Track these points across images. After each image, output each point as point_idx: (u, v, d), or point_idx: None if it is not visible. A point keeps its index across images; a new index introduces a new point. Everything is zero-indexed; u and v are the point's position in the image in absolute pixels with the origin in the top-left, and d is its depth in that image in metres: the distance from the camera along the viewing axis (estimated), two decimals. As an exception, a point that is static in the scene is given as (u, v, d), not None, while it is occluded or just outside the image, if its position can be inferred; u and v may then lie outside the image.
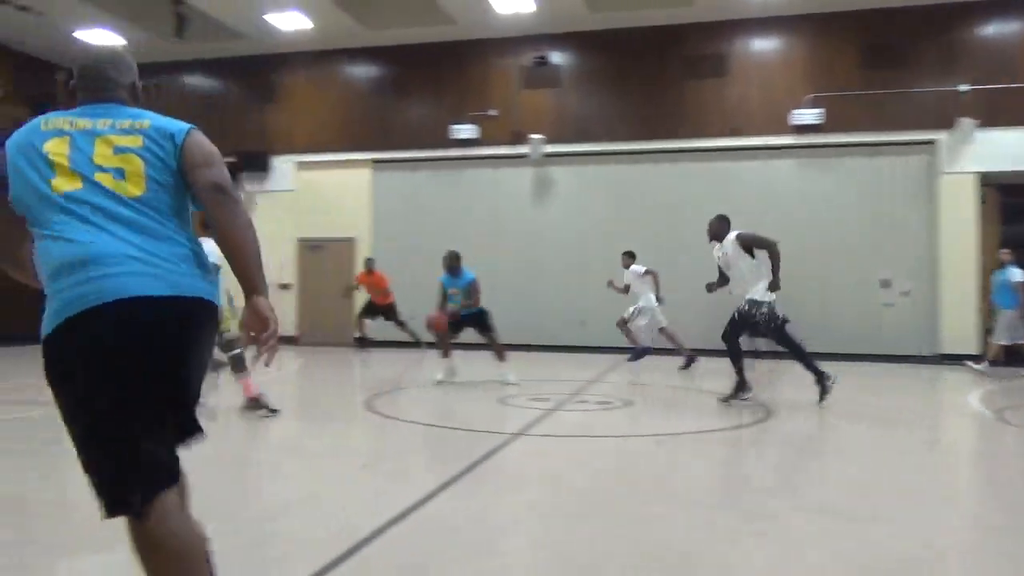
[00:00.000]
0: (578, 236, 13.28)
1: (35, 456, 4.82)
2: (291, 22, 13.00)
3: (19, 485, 4.02)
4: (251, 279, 2.07)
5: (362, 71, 14.50)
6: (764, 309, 6.58)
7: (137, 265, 1.90)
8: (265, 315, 2.02)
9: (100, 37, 13.78)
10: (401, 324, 12.69)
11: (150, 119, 2.16)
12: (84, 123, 2.08)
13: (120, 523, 1.81)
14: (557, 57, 13.50)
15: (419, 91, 14.10)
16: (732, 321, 6.76)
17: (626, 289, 10.51)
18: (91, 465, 1.86)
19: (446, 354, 8.51)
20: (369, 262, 13.08)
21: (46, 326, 1.87)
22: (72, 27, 13.32)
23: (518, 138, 13.39)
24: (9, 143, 2.05)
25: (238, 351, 6.13)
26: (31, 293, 2.14)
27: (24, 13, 12.39)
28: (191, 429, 2.00)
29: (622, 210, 13.13)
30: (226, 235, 2.10)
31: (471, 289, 8.45)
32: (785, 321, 6.69)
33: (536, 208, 13.60)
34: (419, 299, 13.99)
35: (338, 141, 14.39)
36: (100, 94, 2.19)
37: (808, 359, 6.70)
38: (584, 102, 13.42)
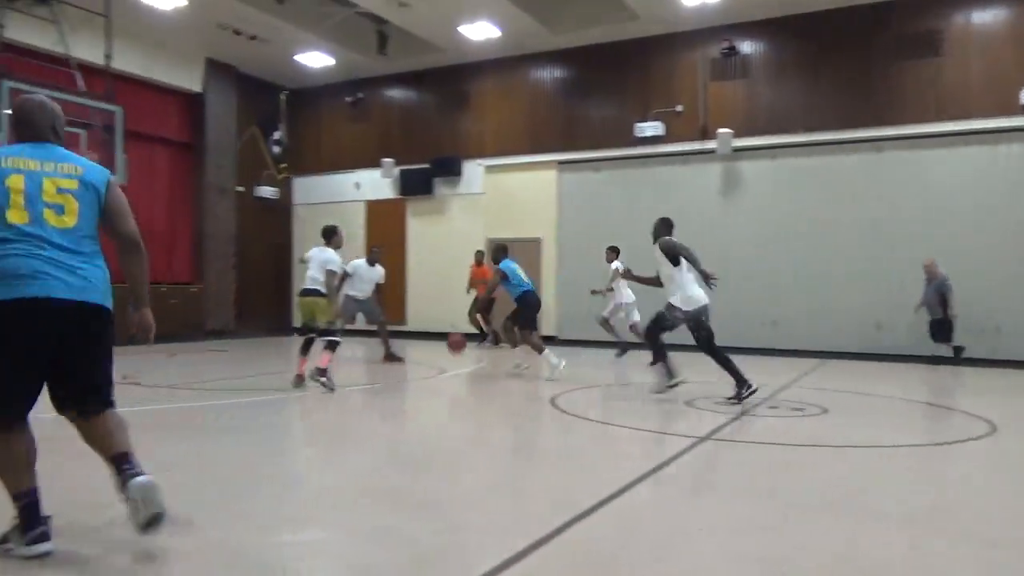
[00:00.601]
0: (769, 233, 12.67)
1: (260, 433, 5.42)
2: (481, 32, 13.55)
3: (248, 460, 4.55)
4: (143, 297, 3.18)
5: (546, 74, 14.79)
6: (678, 314, 7.12)
7: (73, 280, 2.85)
8: (150, 321, 3.21)
9: (314, 59, 15.16)
10: (486, 318, 13.44)
11: (84, 167, 3.02)
12: (34, 164, 2.90)
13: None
14: (746, 47, 12.96)
15: (603, 91, 14.14)
16: (652, 319, 7.33)
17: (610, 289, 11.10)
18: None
19: (515, 344, 9.59)
20: (479, 255, 13.61)
21: None
22: (292, 51, 14.79)
23: (705, 133, 13.03)
24: None
25: (337, 339, 7.59)
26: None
27: (253, 41, 13.95)
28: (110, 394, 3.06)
29: (819, 205, 12.35)
30: (130, 271, 3.12)
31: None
32: (708, 331, 7.17)
33: (724, 205, 13.14)
34: (604, 299, 14.07)
35: (524, 144, 14.79)
36: (37, 136, 3.04)
37: (732, 367, 7.01)
38: (776, 92, 12.77)
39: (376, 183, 16.42)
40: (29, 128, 3.05)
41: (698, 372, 7.95)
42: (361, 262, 10.15)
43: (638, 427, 5.66)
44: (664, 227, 7.58)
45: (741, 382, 6.90)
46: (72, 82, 12.00)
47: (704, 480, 4.25)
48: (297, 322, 7.98)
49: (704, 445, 5.06)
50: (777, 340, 12.31)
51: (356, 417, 6.80)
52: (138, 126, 13.60)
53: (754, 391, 6.89)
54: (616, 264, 11.10)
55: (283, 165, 15.52)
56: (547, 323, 14.39)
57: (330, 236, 7.92)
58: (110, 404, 3.02)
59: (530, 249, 14.71)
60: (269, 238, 17.05)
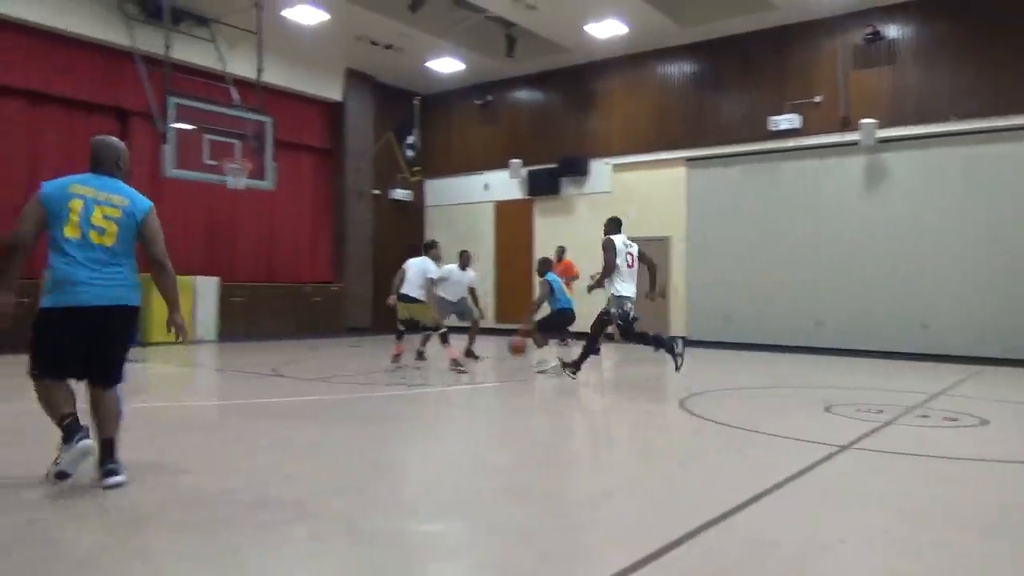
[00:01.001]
0: (918, 228, 11.81)
1: (392, 424, 5.66)
2: (608, 30, 13.46)
3: (379, 451, 4.76)
4: (173, 303, 4.08)
5: (675, 69, 14.48)
6: (613, 308, 7.98)
7: (111, 286, 3.80)
8: (181, 322, 4.11)
9: (445, 65, 15.61)
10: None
11: (130, 200, 3.88)
12: (91, 192, 3.78)
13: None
14: (892, 31, 12.14)
15: (734, 84, 13.69)
16: (598, 315, 8.18)
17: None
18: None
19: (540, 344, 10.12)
20: (560, 251, 13.70)
21: (47, 304, 3.75)
22: (424, 58, 15.30)
23: (847, 124, 12.33)
24: (49, 186, 3.79)
25: (444, 330, 8.94)
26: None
27: (388, 50, 14.56)
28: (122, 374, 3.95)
29: (974, 198, 11.38)
30: (159, 284, 4.03)
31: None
32: (607, 318, 8.09)
33: (867, 199, 12.37)
34: (736, 299, 13.64)
35: (652, 141, 14.57)
36: (102, 169, 3.93)
37: (650, 340, 8.17)
38: (926, 78, 11.89)
39: (504, 184, 16.69)
40: (96, 162, 3.94)
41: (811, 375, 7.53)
42: (453, 267, 10.49)
43: (773, 432, 5.44)
44: (612, 226, 8.44)
45: (577, 365, 8.19)
46: (228, 96, 13.01)
47: (845, 491, 4.03)
48: (400, 316, 9.50)
49: (846, 454, 4.79)
50: (928, 344, 11.46)
51: (484, 414, 6.95)
52: (285, 135, 14.52)
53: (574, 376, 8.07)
54: None
55: (416, 168, 16.09)
56: (677, 324, 14.12)
57: (430, 249, 9.32)
58: (120, 380, 3.94)
59: (658, 248, 14.45)
60: (403, 239, 17.70)
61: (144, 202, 3.97)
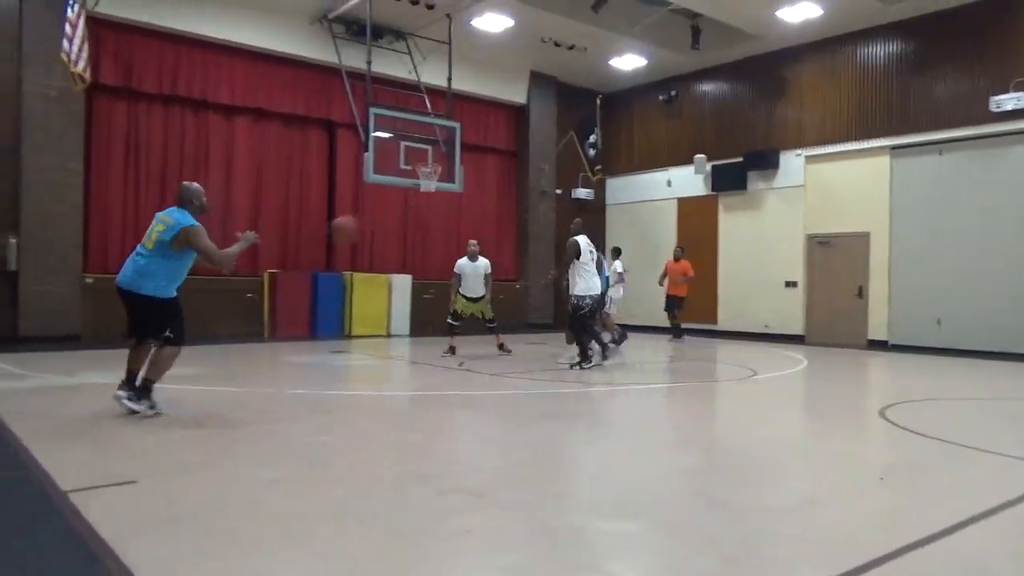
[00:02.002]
0: None
1: (574, 422, 5.76)
2: (801, 13, 12.74)
3: (562, 447, 4.87)
4: (222, 262, 5.62)
5: (877, 51, 13.38)
6: (579, 302, 8.85)
7: (131, 275, 5.44)
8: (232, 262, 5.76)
9: (627, 62, 15.55)
10: (673, 316, 14.12)
11: (175, 220, 5.42)
12: (162, 216, 5.51)
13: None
14: None
15: (947, 63, 12.41)
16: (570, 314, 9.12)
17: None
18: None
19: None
20: (678, 251, 14.05)
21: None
22: (606, 57, 15.34)
23: (1090, 102, 10.78)
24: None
25: (494, 324, 10.64)
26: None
27: (571, 51, 14.75)
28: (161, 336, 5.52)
29: None
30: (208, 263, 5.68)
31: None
32: (581, 311, 8.91)
33: (1117, 187, 10.73)
34: (947, 300, 12.46)
35: (851, 130, 13.60)
36: (177, 203, 5.59)
37: (584, 341, 8.94)
38: None
39: (687, 180, 16.31)
40: (179, 198, 5.62)
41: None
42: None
43: (988, 448, 4.92)
44: (576, 228, 9.23)
45: (585, 357, 8.86)
46: (422, 104, 13.83)
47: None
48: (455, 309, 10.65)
49: (1081, 479, 4.23)
50: None
51: (669, 416, 6.88)
52: (471, 138, 15.19)
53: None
54: (617, 265, 12.61)
55: (598, 167, 16.17)
56: (877, 327, 13.09)
57: (475, 255, 10.42)
58: (168, 341, 5.49)
59: (856, 245, 13.48)
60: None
61: (185, 220, 5.45)
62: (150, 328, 5.50)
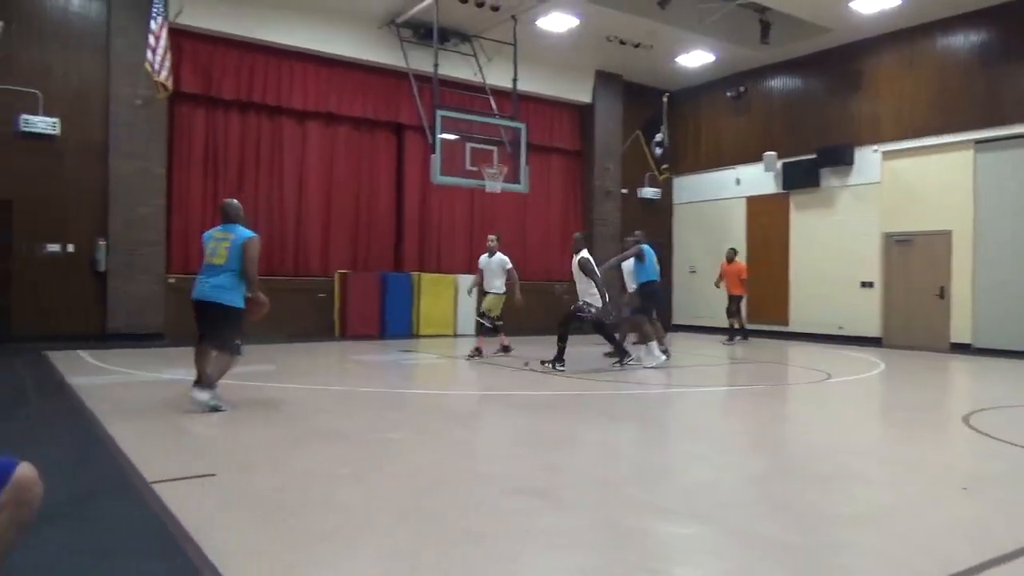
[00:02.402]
0: None
1: (642, 424, 5.72)
2: (877, 4, 12.29)
3: (629, 448, 4.85)
4: (256, 287, 5.93)
5: (959, 40, 12.79)
6: (592, 310, 9.07)
7: (209, 288, 5.87)
8: (263, 301, 5.95)
9: (695, 58, 15.31)
10: (734, 314, 13.78)
11: (236, 234, 5.91)
12: (218, 234, 6.00)
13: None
14: None
15: (1040, 51, 11.76)
16: (566, 313, 9.40)
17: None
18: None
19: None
20: (731, 252, 13.88)
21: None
22: (673, 54, 15.14)
23: None
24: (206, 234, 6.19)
25: (500, 323, 10.45)
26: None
27: (637, 49, 14.61)
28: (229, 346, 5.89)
29: None
30: (250, 282, 5.93)
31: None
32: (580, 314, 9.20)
33: None
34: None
35: (931, 124, 13.05)
36: (227, 221, 6.04)
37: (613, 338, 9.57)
38: None
39: (757, 178, 15.95)
40: (228, 215, 6.06)
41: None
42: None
43: (1083, 461, 4.66)
44: (581, 244, 9.52)
45: (620, 350, 9.43)
46: (487, 106, 13.94)
47: None
48: (478, 308, 10.73)
49: None
50: None
51: (738, 419, 6.76)
52: (536, 139, 15.20)
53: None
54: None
55: (664, 166, 15.97)
56: (960, 329, 12.54)
57: (493, 251, 10.27)
58: (234, 351, 5.87)
59: (937, 243, 12.93)
60: (650, 237, 17.65)
61: (245, 234, 5.94)
62: (225, 336, 5.84)
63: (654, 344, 9.64)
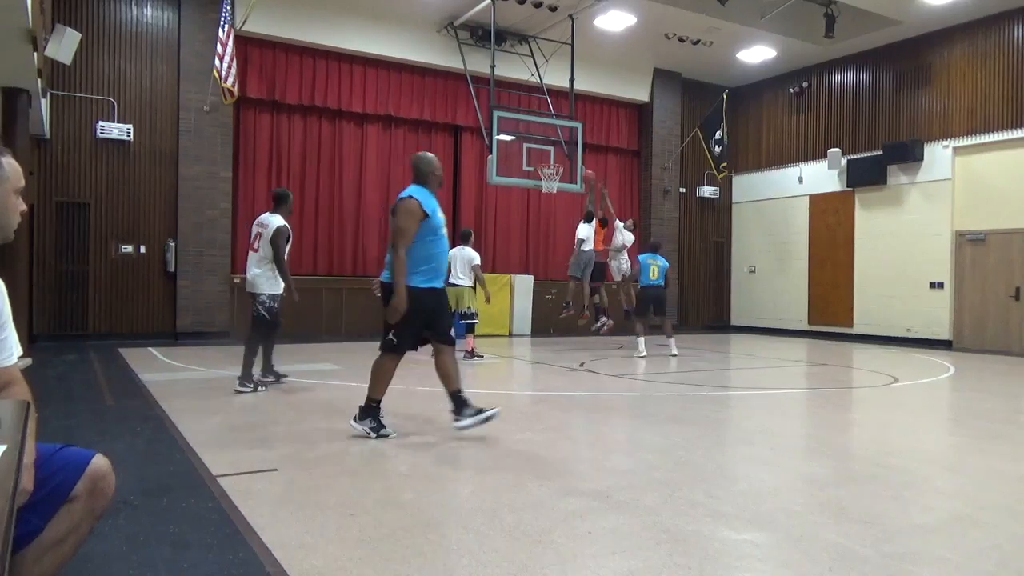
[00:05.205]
0: None
1: (701, 427, 5.63)
2: (949, -6, 11.84)
3: (689, 452, 4.77)
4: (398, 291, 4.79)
5: (1040, 31, 12.22)
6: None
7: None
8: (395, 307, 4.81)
9: (756, 54, 15.01)
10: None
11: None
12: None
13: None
14: None
15: None
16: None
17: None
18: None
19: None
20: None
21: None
22: (733, 50, 14.87)
23: None
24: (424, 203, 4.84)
25: (475, 321, 10.19)
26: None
27: (696, 46, 14.38)
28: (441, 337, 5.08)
29: None
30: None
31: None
32: None
33: None
34: None
35: (1006, 118, 12.52)
36: (413, 179, 5.03)
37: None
38: None
39: (820, 175, 15.55)
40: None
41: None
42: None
43: None
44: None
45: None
46: (544, 106, 13.93)
47: None
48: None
49: None
50: None
51: (800, 422, 6.60)
52: (593, 138, 15.16)
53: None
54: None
55: (724, 164, 15.71)
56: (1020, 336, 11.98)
57: (468, 239, 9.96)
58: (384, 349, 5.00)
59: (1013, 242, 12.38)
60: (709, 236, 17.42)
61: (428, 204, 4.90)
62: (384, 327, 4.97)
63: (641, 340, 10.78)
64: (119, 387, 7.20)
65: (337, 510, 3.41)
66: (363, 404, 4.97)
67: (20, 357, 2.06)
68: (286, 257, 6.85)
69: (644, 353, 10.57)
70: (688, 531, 3.23)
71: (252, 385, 6.72)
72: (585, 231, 11.94)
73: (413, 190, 4.88)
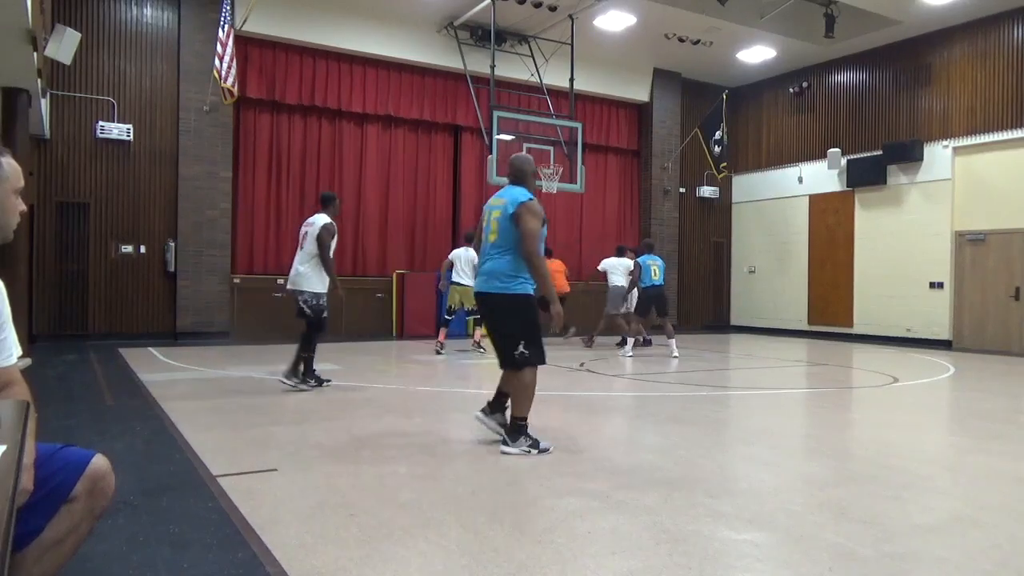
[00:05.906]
0: None
1: (701, 427, 5.63)
2: (948, -6, 11.85)
3: (689, 452, 4.77)
4: (546, 294, 4.59)
5: (1040, 30, 12.22)
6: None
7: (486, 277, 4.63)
8: (556, 312, 4.59)
9: (755, 54, 15.01)
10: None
11: (508, 199, 4.56)
12: (495, 201, 4.71)
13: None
14: None
15: None
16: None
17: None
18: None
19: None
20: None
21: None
22: (733, 50, 14.87)
23: None
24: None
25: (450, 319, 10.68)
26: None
27: (696, 46, 14.39)
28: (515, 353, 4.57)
29: None
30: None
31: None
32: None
33: None
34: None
35: (1006, 118, 12.52)
36: (512, 180, 4.79)
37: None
38: None
39: (820, 175, 15.55)
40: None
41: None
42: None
43: None
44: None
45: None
46: (544, 106, 13.94)
47: None
48: (446, 304, 10.87)
49: None
50: None
51: (801, 422, 6.59)
52: (593, 138, 15.16)
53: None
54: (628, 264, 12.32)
55: (723, 164, 15.71)
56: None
57: (471, 240, 9.82)
58: (518, 366, 4.62)
59: (1013, 243, 12.38)
60: (708, 236, 17.43)
61: (519, 199, 4.56)
62: (501, 342, 4.74)
63: (631, 341, 11.11)
64: (119, 387, 7.20)
65: (337, 510, 3.41)
66: (508, 425, 4.66)
67: (20, 357, 2.06)
68: (331, 254, 6.97)
69: (631, 354, 10.71)
70: (688, 531, 3.23)
71: (315, 380, 6.95)
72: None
73: (521, 192, 4.63)
